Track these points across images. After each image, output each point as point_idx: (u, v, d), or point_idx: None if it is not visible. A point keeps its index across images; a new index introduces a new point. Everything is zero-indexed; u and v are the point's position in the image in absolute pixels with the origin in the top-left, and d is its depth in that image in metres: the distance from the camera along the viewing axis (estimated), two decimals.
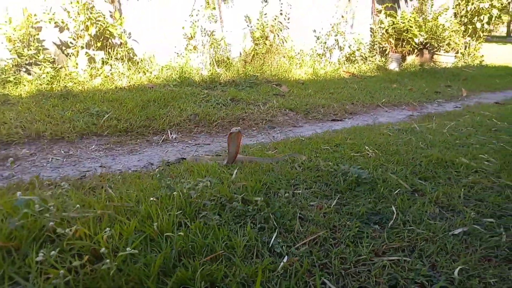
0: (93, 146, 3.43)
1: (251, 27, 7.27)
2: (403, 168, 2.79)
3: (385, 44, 9.68)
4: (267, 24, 7.30)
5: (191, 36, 6.33)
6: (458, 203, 2.29)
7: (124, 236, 1.61)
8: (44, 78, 4.89)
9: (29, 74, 4.97)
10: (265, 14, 7.27)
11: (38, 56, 5.11)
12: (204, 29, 6.32)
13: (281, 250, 1.70)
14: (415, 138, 3.68)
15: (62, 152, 3.26)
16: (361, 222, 2.02)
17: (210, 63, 6.22)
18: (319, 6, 8.39)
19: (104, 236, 1.45)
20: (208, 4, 6.43)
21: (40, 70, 5.01)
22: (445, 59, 10.55)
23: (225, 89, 5.47)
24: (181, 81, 5.49)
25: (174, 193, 1.93)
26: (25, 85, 4.72)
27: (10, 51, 5.03)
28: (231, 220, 1.90)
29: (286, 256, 1.66)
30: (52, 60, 5.27)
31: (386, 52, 9.70)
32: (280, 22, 7.42)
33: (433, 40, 10.19)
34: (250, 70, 6.55)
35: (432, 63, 10.73)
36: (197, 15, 6.38)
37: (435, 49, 10.67)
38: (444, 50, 10.43)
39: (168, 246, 1.57)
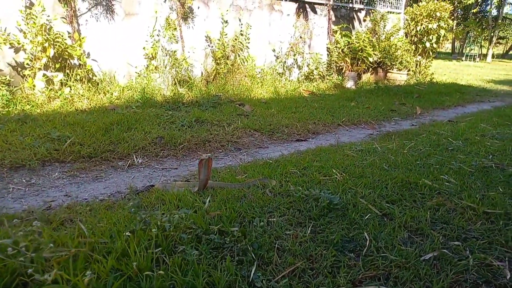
0: (56, 174, 3.28)
1: (212, 46, 7.31)
2: (371, 192, 2.88)
3: (342, 63, 10.05)
4: (227, 44, 7.37)
5: (153, 56, 6.25)
6: (426, 226, 2.40)
7: (102, 277, 1.55)
8: None
9: None
10: (226, 34, 7.34)
11: None
12: (165, 49, 6.28)
13: (261, 284, 1.71)
14: (378, 159, 3.82)
15: (24, 181, 3.09)
16: (336, 250, 2.07)
17: (172, 83, 6.17)
18: (278, 26, 8.60)
19: (85, 280, 1.39)
20: (169, 24, 6.40)
21: None
22: (398, 77, 11.10)
23: (188, 109, 5.43)
24: (143, 102, 5.40)
25: (152, 228, 1.89)
26: None
27: None
28: (208, 253, 1.88)
29: None
30: (8, 82, 5.00)
31: (343, 71, 10.07)
32: (240, 42, 7.51)
33: (386, 59, 10.70)
34: (212, 90, 6.56)
35: (386, 80, 11.24)
36: (158, 35, 6.33)
37: (389, 67, 11.20)
38: (397, 68, 10.97)
39: (148, 287, 1.53)
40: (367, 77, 10.76)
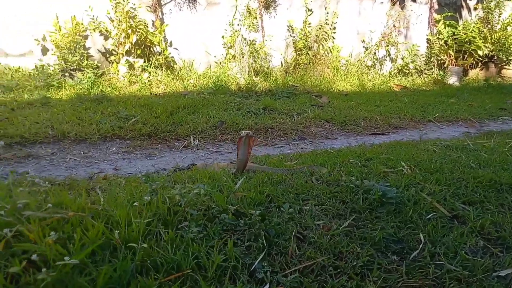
0: (114, 149, 3.36)
1: (294, 36, 7.03)
2: (443, 189, 2.37)
3: (444, 56, 8.97)
4: (310, 34, 7.03)
5: (231, 45, 6.23)
6: (511, 236, 1.85)
7: (86, 242, 1.41)
8: (85, 83, 5.00)
9: (72, 79, 5.11)
10: (309, 23, 7.01)
11: (82, 62, 5.25)
12: (244, 38, 6.20)
13: (263, 276, 1.42)
14: (465, 156, 3.20)
15: (82, 153, 3.22)
16: (375, 249, 1.68)
17: (248, 73, 6.06)
18: (369, 15, 7.97)
19: (48, 241, 1.27)
20: (250, 13, 6.31)
21: (83, 75, 5.14)
22: None
23: (259, 98, 5.26)
24: (216, 89, 5.38)
25: (160, 200, 1.72)
26: (66, 89, 4.85)
27: (57, 57, 5.22)
28: (216, 234, 1.64)
29: (268, 285, 1.38)
30: (96, 66, 5.40)
31: (445, 65, 8.98)
32: (325, 32, 7.11)
33: (500, 53, 9.27)
34: (290, 80, 6.30)
35: (499, 78, 9.78)
36: (238, 24, 6.27)
37: (504, 63, 9.71)
38: None
39: (128, 259, 1.35)
40: (475, 73, 9.47)
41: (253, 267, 1.46)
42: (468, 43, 8.87)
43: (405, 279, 1.52)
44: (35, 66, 5.01)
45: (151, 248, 1.42)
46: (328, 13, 7.23)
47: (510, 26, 9.26)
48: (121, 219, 1.52)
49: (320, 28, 7.17)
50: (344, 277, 1.49)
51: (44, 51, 5.28)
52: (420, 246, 1.74)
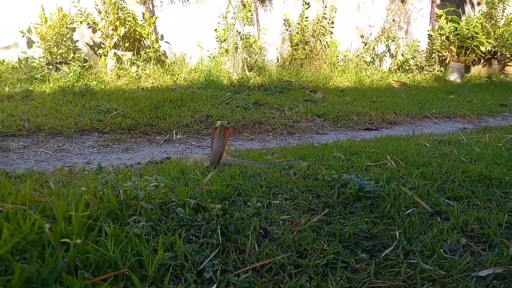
0: (90, 142, 3.23)
1: (291, 31, 6.87)
2: (427, 184, 2.22)
3: (445, 52, 8.77)
4: (307, 28, 6.86)
5: (224, 39, 6.08)
6: (496, 233, 1.71)
7: (17, 237, 1.28)
8: (71, 76, 4.88)
9: (58, 72, 5.00)
10: (306, 17, 6.85)
11: (69, 55, 5.14)
12: (238, 32, 6.05)
13: (212, 275, 1.28)
14: (457, 150, 3.04)
15: (55, 146, 3.09)
16: (344, 246, 1.54)
17: (242, 67, 5.92)
18: (368, 9, 7.80)
19: None
20: (244, 6, 6.16)
21: (69, 69, 5.02)
22: None
23: (251, 93, 5.12)
24: (206, 84, 5.24)
25: (108, 192, 1.58)
26: (51, 82, 4.73)
27: (43, 50, 5.11)
28: (170, 230, 1.51)
29: (215, 285, 1.24)
30: (83, 59, 5.28)
31: (446, 61, 8.78)
32: (323, 26, 6.95)
33: (504, 49, 9.06)
34: (285, 76, 6.15)
35: (502, 75, 9.57)
36: (232, 18, 6.13)
37: (507, 59, 9.50)
38: None
39: (59, 256, 1.22)
40: (477, 69, 9.27)
41: (202, 265, 1.32)
42: (470, 39, 8.68)
43: (373, 279, 1.37)
44: (19, 58, 4.90)
45: (88, 244, 1.28)
46: (326, 7, 7.07)
47: None
48: (58, 212, 1.38)
49: (317, 23, 7.01)
50: (304, 276, 1.34)
51: (30, 43, 5.17)
52: (394, 243, 1.59)
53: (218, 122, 2.28)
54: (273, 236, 1.56)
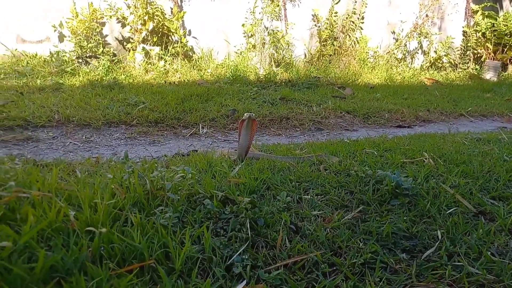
0: (117, 135, 3.22)
1: (319, 26, 6.73)
2: (469, 182, 2.07)
3: (481, 49, 8.40)
4: (336, 24, 6.70)
5: (251, 34, 6.01)
6: None
7: (42, 225, 1.24)
8: (100, 70, 4.92)
9: (87, 66, 5.05)
10: (336, 12, 6.69)
11: (98, 50, 5.19)
12: (266, 27, 5.96)
13: (241, 271, 1.20)
14: (499, 149, 2.86)
15: (83, 137, 3.10)
16: (381, 246, 1.43)
17: (269, 63, 5.83)
18: (400, 4, 7.54)
19: None
20: (272, 1, 6.06)
21: (98, 62, 5.07)
22: None
23: (278, 88, 5.02)
24: (233, 79, 5.18)
25: (135, 182, 1.53)
26: (80, 76, 4.78)
27: (74, 44, 5.18)
28: (197, 222, 1.44)
29: (245, 281, 1.16)
30: (112, 54, 5.32)
31: (482, 59, 8.41)
32: (352, 22, 6.77)
33: None
34: (313, 72, 6.02)
35: None
36: (259, 12, 6.04)
37: None
38: None
39: (84, 245, 1.17)
40: None
41: (231, 260, 1.24)
42: (508, 36, 8.28)
43: (414, 281, 1.26)
44: (50, 52, 4.98)
45: (113, 233, 1.23)
46: (356, 1, 6.88)
47: None
48: (83, 200, 1.34)
49: (347, 18, 6.83)
50: (339, 276, 1.25)
51: (61, 37, 5.25)
52: (437, 244, 1.48)
53: (245, 114, 2.20)
54: (305, 232, 1.47)
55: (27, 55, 5.04)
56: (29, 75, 4.56)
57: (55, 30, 5.18)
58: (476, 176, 2.19)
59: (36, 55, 5.09)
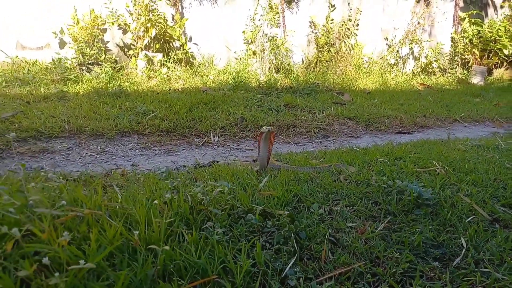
0: (131, 144, 3.27)
1: (316, 33, 6.87)
2: (480, 191, 2.21)
3: (468, 55, 8.68)
4: (333, 30, 6.85)
5: (251, 41, 6.10)
6: None
7: (103, 243, 1.31)
8: (103, 77, 4.94)
9: (90, 73, 5.06)
10: (332, 19, 6.84)
11: (100, 56, 5.20)
12: (265, 34, 6.06)
13: (296, 283, 1.29)
14: (499, 156, 3.02)
15: (98, 148, 3.13)
16: (415, 255, 1.54)
17: (269, 69, 5.93)
18: (393, 12, 7.75)
19: (62, 242, 1.16)
20: (271, 8, 6.17)
21: (101, 69, 5.08)
22: None
23: (281, 95, 5.13)
24: (236, 86, 5.26)
25: (181, 198, 1.61)
26: (84, 83, 4.79)
27: (75, 50, 5.18)
28: (242, 236, 1.53)
29: None
30: (114, 60, 5.34)
31: (469, 64, 8.69)
32: (348, 29, 6.93)
33: None
34: (311, 78, 6.14)
35: None
36: (259, 19, 6.14)
37: None
38: None
39: (149, 263, 1.24)
40: (500, 72, 9.16)
41: (284, 273, 1.33)
42: (493, 42, 8.58)
43: (450, 287, 1.37)
44: (52, 59, 4.97)
45: (173, 250, 1.30)
46: (351, 9, 7.06)
47: None
48: (140, 218, 1.41)
49: (342, 25, 6.99)
50: (383, 285, 1.35)
51: (62, 44, 5.24)
52: (463, 251, 1.60)
53: (264, 127, 2.29)
54: (344, 244, 1.57)
55: (27, 62, 5.02)
56: (32, 83, 4.54)
57: (55, 37, 5.16)
58: (485, 184, 2.32)
59: (37, 62, 5.07)
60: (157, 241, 1.35)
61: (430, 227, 1.75)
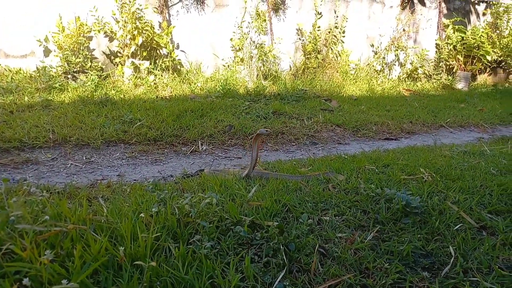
0: (118, 154, 3.22)
1: (303, 40, 6.91)
2: (467, 198, 2.22)
3: (452, 61, 8.82)
4: (320, 37, 6.90)
5: (239, 48, 6.11)
6: None
7: (87, 260, 1.27)
8: (89, 85, 4.88)
9: (75, 81, 4.99)
10: (319, 27, 6.89)
11: (86, 64, 5.14)
12: (253, 41, 6.08)
13: None
14: (484, 162, 3.05)
15: (84, 158, 3.08)
16: (404, 265, 1.54)
17: (257, 76, 5.93)
18: (378, 19, 7.85)
19: (44, 260, 1.12)
20: (259, 16, 6.19)
21: (86, 78, 5.02)
22: None
23: (268, 102, 5.13)
24: (224, 93, 5.25)
25: (169, 211, 1.58)
26: (69, 92, 4.73)
27: (60, 58, 5.11)
28: (231, 249, 1.50)
29: None
30: (100, 68, 5.28)
31: (454, 70, 8.84)
32: (334, 36, 6.99)
33: (509, 58, 9.14)
34: (299, 84, 6.17)
35: (507, 83, 9.63)
36: (247, 27, 6.16)
37: None
38: None
39: (135, 280, 1.21)
40: (483, 78, 9.33)
41: (273, 286, 1.31)
42: (476, 48, 8.74)
43: None
44: (37, 67, 4.90)
45: (160, 266, 1.27)
46: (337, 16, 7.12)
47: None
48: (126, 233, 1.37)
49: (329, 32, 7.05)
50: None
51: (47, 52, 5.16)
52: (452, 260, 1.60)
53: (261, 129, 2.29)
54: (333, 255, 1.56)
55: (10, 71, 4.93)
56: (15, 92, 4.46)
57: (40, 45, 5.09)
58: (472, 191, 2.34)
59: (21, 70, 4.99)
60: (143, 256, 1.32)
61: (418, 235, 1.76)
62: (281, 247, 1.49)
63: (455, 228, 1.86)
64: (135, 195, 1.93)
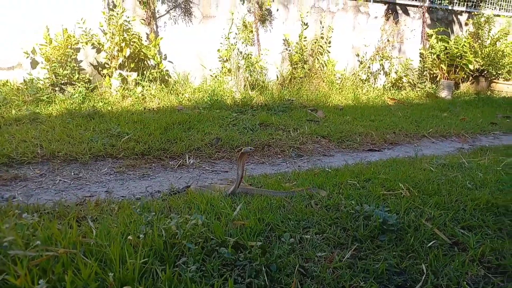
0: (105, 169, 3.27)
1: (290, 50, 7.04)
2: (442, 213, 2.34)
3: (436, 70, 9.04)
4: (306, 48, 7.04)
5: (226, 59, 6.20)
6: (511, 264, 1.82)
7: (78, 285, 1.34)
8: (76, 97, 4.91)
9: (63, 93, 5.02)
10: (305, 37, 7.02)
11: (74, 76, 5.17)
12: (240, 52, 6.18)
13: None
14: (461, 175, 3.18)
15: (72, 174, 3.12)
16: (379, 283, 1.63)
17: (244, 86, 6.03)
18: (363, 29, 8.03)
19: None
20: (246, 27, 6.29)
21: (74, 89, 5.05)
22: (505, 88, 9.66)
23: (256, 113, 5.22)
24: (211, 104, 5.32)
25: (156, 233, 1.65)
26: (57, 104, 4.75)
27: (48, 70, 5.13)
28: (215, 270, 1.58)
29: None
30: (88, 80, 5.32)
31: (437, 79, 9.05)
32: (320, 46, 7.13)
33: (490, 67, 9.39)
34: (286, 95, 6.28)
35: (489, 91, 9.88)
36: (234, 38, 6.26)
37: (493, 77, 9.83)
38: (504, 78, 9.56)
39: None
40: (466, 86, 9.55)
41: None
42: (459, 58, 8.97)
43: None
44: (24, 80, 4.91)
45: None
46: (323, 27, 7.27)
47: (499, 41, 9.40)
48: (115, 256, 1.44)
49: (315, 42, 7.19)
50: None
51: (34, 64, 5.18)
52: (423, 277, 1.70)
53: (246, 148, 2.38)
54: (312, 274, 1.64)
55: None
56: (2, 105, 4.47)
57: (27, 57, 5.10)
58: (447, 206, 2.46)
59: (7, 82, 5.00)
60: (132, 280, 1.38)
61: (394, 253, 1.86)
62: (263, 268, 1.58)
63: (428, 245, 1.96)
64: (123, 215, 1.99)
